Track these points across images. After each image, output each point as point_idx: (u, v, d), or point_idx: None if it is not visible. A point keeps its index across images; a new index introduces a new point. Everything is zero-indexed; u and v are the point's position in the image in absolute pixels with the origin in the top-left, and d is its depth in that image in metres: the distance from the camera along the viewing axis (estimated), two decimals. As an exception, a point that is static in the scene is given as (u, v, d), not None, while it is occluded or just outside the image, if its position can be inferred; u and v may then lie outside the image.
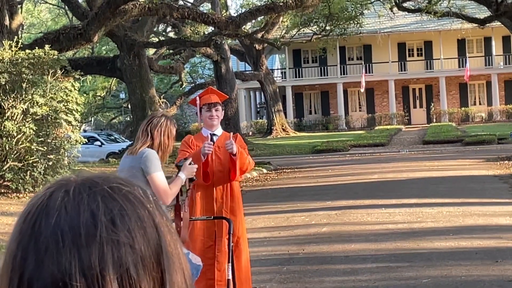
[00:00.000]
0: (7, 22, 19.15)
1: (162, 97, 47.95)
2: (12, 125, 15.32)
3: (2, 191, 15.61)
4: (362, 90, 48.45)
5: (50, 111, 15.83)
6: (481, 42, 51.28)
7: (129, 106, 38.90)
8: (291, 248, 10.20)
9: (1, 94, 15.69)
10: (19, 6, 23.44)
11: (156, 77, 51.16)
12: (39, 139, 15.70)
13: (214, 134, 6.41)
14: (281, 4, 22.59)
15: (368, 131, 45.19)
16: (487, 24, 31.92)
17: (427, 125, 47.78)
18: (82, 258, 0.88)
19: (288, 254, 9.82)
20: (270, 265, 9.12)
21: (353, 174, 21.34)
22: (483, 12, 35.90)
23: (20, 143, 15.48)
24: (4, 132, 15.39)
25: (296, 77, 52.62)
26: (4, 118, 15.52)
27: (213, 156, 6.30)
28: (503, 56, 50.70)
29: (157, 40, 39.31)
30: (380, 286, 7.74)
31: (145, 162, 5.33)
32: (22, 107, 15.57)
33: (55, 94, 16.11)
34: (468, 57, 49.33)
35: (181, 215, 5.68)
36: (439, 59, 50.85)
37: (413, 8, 32.73)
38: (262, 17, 31.16)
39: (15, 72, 15.74)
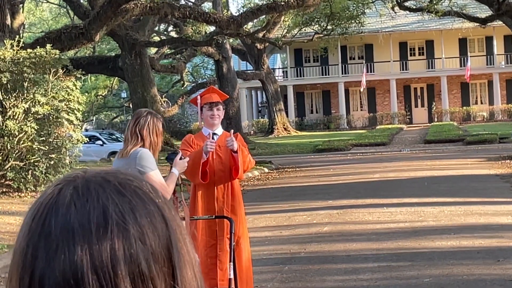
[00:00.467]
0: (8, 21, 19.16)
1: (163, 96, 48.00)
2: (14, 124, 15.33)
3: (4, 190, 15.61)
4: (362, 89, 48.42)
5: (52, 110, 15.83)
6: (482, 41, 51.25)
7: (131, 105, 38.91)
8: (292, 247, 10.20)
9: (3, 93, 15.70)
10: (20, 5, 23.43)
11: (157, 76, 51.17)
12: (40, 138, 15.71)
13: (215, 134, 6.41)
14: (282, 3, 22.59)
15: (369, 131, 45.18)
16: (489, 23, 31.90)
17: (428, 124, 47.76)
18: (94, 255, 0.88)
19: (290, 253, 9.83)
20: (272, 264, 9.12)
21: (354, 173, 21.33)
22: (484, 12, 35.89)
23: (21, 142, 15.49)
24: (6, 131, 15.40)
25: (297, 76, 52.61)
26: (6, 117, 15.53)
27: (214, 155, 6.31)
28: (505, 56, 50.66)
29: (158, 39, 39.35)
30: (382, 286, 7.74)
31: (140, 162, 5.31)
32: (23, 106, 15.57)
33: (56, 93, 16.11)
34: (470, 56, 49.31)
35: (180, 211, 5.70)
36: (441, 58, 50.83)
37: (414, 7, 32.74)
38: (264, 16, 31.14)
39: (16, 71, 15.74)
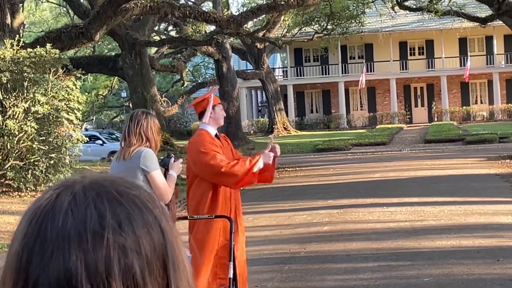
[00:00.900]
0: (8, 20, 19.16)
1: (163, 96, 48.00)
2: (14, 123, 15.32)
3: (4, 190, 15.61)
4: (359, 88, 48.40)
5: (52, 110, 15.83)
6: (482, 41, 51.24)
7: (131, 105, 38.89)
8: (292, 247, 10.20)
9: (3, 93, 15.69)
10: (20, 5, 23.43)
11: (157, 75, 51.17)
12: (40, 138, 15.70)
13: (216, 134, 6.46)
14: (282, 3, 22.58)
15: (369, 130, 45.17)
16: (489, 23, 31.89)
17: (428, 124, 47.75)
18: (89, 263, 0.87)
19: (290, 252, 9.83)
20: (272, 264, 9.12)
21: (354, 173, 21.34)
22: (484, 11, 35.89)
23: (21, 141, 15.48)
24: (6, 131, 15.39)
25: (297, 76, 52.60)
26: (6, 116, 15.53)
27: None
28: (505, 55, 50.65)
29: (158, 39, 39.34)
30: (382, 285, 7.75)
31: (145, 161, 5.36)
32: (23, 106, 15.57)
33: (56, 92, 16.10)
34: (470, 56, 49.31)
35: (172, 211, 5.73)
36: (441, 58, 50.83)
37: (414, 7, 32.73)
38: (264, 16, 31.16)
39: (16, 71, 15.74)
